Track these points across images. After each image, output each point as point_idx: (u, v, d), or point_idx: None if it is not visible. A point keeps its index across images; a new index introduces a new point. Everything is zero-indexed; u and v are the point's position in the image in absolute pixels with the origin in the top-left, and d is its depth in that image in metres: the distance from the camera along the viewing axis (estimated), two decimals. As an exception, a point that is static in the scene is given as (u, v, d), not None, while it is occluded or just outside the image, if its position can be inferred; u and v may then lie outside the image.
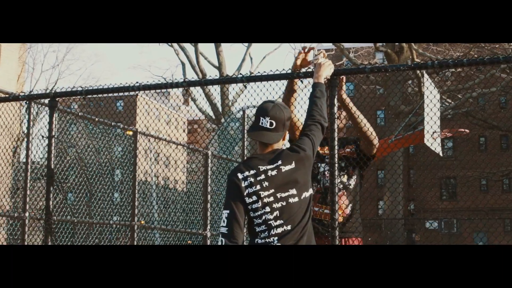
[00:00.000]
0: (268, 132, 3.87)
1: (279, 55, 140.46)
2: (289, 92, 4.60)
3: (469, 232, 27.92)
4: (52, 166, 5.01)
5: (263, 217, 3.80)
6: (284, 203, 3.81)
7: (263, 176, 3.83)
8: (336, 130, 4.43)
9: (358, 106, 4.67)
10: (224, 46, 34.46)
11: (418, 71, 19.12)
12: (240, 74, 4.76)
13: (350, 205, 4.67)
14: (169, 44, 30.68)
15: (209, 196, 10.56)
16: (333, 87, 4.39)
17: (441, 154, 10.39)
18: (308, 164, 3.91)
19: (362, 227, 4.74)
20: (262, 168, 3.85)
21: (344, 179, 4.68)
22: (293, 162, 3.86)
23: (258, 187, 3.81)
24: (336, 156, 4.44)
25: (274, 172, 3.83)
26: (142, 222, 13.21)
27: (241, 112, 11.80)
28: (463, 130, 14.19)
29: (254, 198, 3.81)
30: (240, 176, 3.86)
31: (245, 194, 3.82)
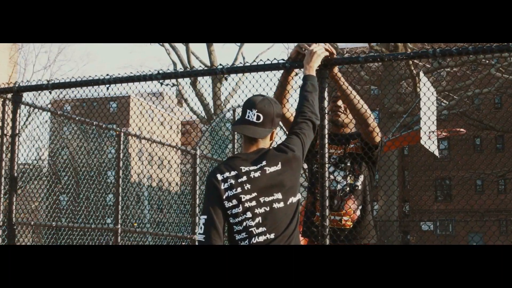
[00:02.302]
0: (254, 126, 3.47)
1: (272, 55, 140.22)
2: (282, 83, 4.17)
3: (464, 234, 27.63)
4: (16, 167, 4.61)
5: (244, 224, 3.40)
6: (267, 209, 3.40)
7: (244, 178, 3.42)
8: (326, 126, 4.00)
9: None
10: (216, 46, 34.21)
11: (414, 70, 18.82)
12: (220, 65, 4.36)
13: (360, 207, 4.24)
14: (160, 43, 30.30)
15: (197, 198, 10.17)
16: (322, 78, 3.96)
17: (437, 154, 10.07)
18: (296, 166, 3.50)
19: (376, 231, 4.30)
20: (244, 169, 3.44)
21: (351, 179, 4.27)
22: (279, 163, 3.44)
23: (239, 189, 3.40)
24: (327, 155, 3.99)
25: (257, 174, 3.42)
26: (135, 224, 12.81)
27: (231, 112, 11.44)
28: (459, 129, 13.89)
29: (234, 202, 3.40)
30: (219, 177, 3.45)
31: (224, 197, 3.41)
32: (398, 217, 25.85)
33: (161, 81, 4.33)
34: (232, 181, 3.41)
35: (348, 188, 4.24)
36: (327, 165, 4.03)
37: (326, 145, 4.00)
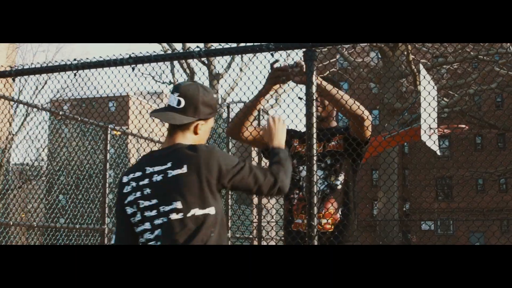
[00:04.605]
0: (173, 112, 2.88)
1: (269, 55, 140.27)
2: (253, 102, 3.80)
3: (468, 235, 27.31)
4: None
5: (144, 236, 2.84)
6: (165, 220, 2.77)
7: (146, 181, 2.85)
8: (314, 114, 3.61)
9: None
10: (214, 45, 33.90)
11: (413, 67, 18.50)
12: (198, 47, 4.02)
13: (341, 209, 3.80)
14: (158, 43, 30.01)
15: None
16: (311, 61, 3.58)
17: (438, 151, 9.78)
18: (207, 173, 2.78)
19: (359, 233, 3.89)
20: (148, 170, 2.86)
21: (331, 179, 3.84)
22: (185, 165, 2.77)
23: (139, 194, 2.85)
24: (315, 147, 3.60)
25: (159, 177, 2.82)
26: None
27: (225, 109, 11.07)
28: (461, 125, 13.55)
29: (135, 208, 2.86)
30: (124, 179, 2.92)
31: (125, 202, 2.88)
32: (399, 216, 25.51)
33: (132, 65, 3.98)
34: (134, 184, 2.87)
35: (328, 189, 3.82)
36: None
37: (315, 135, 3.60)
